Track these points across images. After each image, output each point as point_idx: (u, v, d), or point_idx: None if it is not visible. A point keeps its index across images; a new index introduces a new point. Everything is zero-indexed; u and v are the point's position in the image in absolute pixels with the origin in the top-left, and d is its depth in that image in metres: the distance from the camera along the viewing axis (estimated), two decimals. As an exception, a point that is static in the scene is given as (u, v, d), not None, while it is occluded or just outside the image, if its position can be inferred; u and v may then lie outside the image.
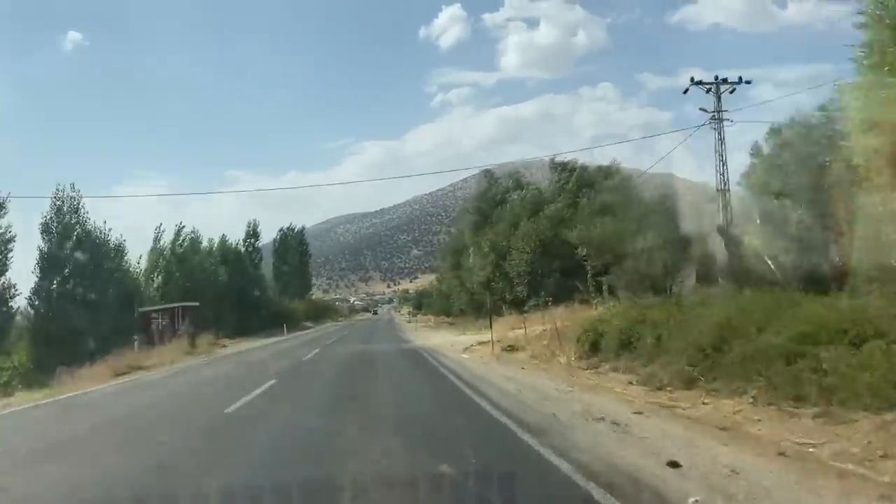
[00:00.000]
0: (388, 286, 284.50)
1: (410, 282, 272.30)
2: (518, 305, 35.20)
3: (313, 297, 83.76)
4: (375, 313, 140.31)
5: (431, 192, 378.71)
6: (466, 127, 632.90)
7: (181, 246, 44.12)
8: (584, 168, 36.46)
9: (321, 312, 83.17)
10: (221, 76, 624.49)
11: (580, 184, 33.94)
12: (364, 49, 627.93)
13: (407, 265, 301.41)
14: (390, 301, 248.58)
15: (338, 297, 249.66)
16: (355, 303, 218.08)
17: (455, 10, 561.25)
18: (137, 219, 60.64)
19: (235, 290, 52.08)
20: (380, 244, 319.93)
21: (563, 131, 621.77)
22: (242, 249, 57.90)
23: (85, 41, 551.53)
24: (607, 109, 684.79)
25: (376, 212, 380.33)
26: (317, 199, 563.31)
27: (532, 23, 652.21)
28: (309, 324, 71.70)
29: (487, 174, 45.91)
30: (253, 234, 62.07)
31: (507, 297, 37.99)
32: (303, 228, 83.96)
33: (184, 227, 45.87)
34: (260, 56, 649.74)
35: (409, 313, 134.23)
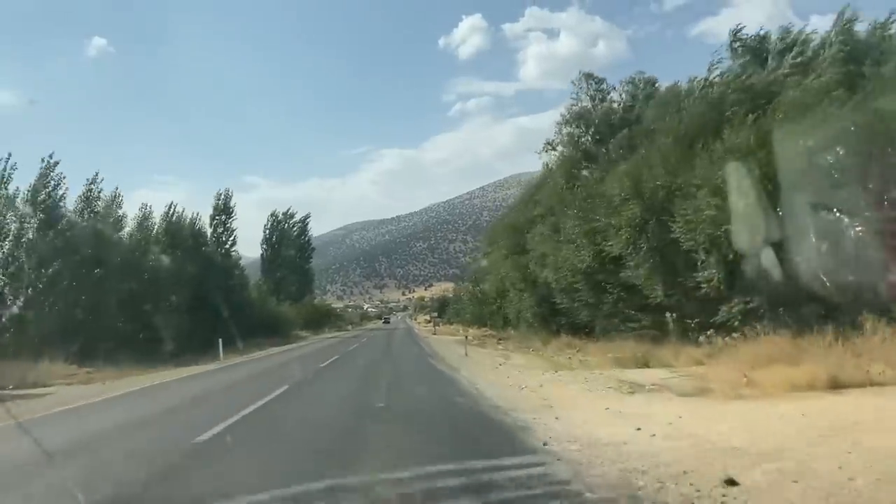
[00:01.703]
0: (403, 293, 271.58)
1: (425, 289, 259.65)
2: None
3: (316, 300, 65.53)
4: (387, 321, 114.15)
5: (448, 200, 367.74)
6: (484, 136, 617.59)
7: (58, 202, 24.75)
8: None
9: (323, 319, 64.77)
10: (242, 84, 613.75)
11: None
12: (384, 58, 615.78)
13: (422, 272, 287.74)
14: (405, 309, 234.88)
15: (351, 303, 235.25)
16: (369, 310, 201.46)
17: (475, 20, 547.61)
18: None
19: (192, 286, 34.14)
20: (395, 251, 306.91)
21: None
22: (209, 230, 40.23)
23: (109, 47, 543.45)
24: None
25: (392, 219, 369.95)
26: (333, 206, 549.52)
27: (552, 33, 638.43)
28: (304, 333, 53.65)
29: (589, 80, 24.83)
30: (223, 209, 42.90)
31: (623, 307, 19.87)
32: (306, 217, 66.45)
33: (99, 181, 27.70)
34: (280, 64, 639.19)
35: (427, 321, 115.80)
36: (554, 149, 23.07)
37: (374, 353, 27.20)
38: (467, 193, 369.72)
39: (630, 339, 20.67)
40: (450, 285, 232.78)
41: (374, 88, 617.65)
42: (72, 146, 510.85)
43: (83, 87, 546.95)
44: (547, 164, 27.94)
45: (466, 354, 21.29)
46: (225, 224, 41.17)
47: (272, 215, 61.71)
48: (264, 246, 60.00)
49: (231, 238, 41.28)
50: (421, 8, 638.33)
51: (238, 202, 42.43)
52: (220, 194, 41.74)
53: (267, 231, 60.49)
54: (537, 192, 30.30)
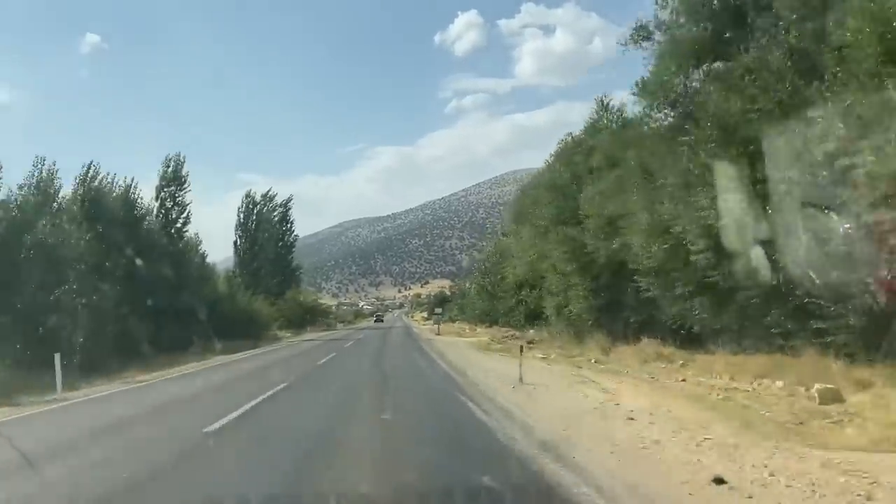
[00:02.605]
0: (399, 291, 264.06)
1: (421, 286, 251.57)
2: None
3: (301, 296, 55.94)
4: (380, 319, 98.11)
5: (444, 198, 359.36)
6: (480, 133, 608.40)
7: None
8: None
9: (309, 317, 55.12)
10: (237, 81, 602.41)
11: None
12: (379, 55, 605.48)
13: (418, 270, 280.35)
14: (401, 306, 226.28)
15: (347, 301, 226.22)
16: (364, 307, 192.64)
17: (471, 16, 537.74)
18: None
19: (120, 271, 24.97)
20: (391, 248, 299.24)
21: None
22: (155, 205, 30.78)
23: (103, 43, 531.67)
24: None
25: (387, 216, 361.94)
26: (329, 203, 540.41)
27: (548, 30, 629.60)
28: (284, 334, 44.38)
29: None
30: (173, 177, 32.26)
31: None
32: (288, 200, 56.80)
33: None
34: (274, 61, 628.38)
35: (425, 319, 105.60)
36: (647, 38, 13.63)
37: (358, 370, 17.76)
38: (463, 190, 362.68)
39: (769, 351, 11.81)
40: (446, 282, 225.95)
41: (369, 85, 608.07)
42: (64, 142, 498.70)
43: (76, 83, 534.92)
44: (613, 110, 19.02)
45: (522, 380, 11.78)
46: (175, 197, 31.58)
47: (247, 196, 52.15)
48: (238, 233, 50.34)
49: (184, 215, 31.78)
50: (416, 4, 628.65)
51: (234, 199, 34.29)
52: (170, 159, 31.94)
53: (241, 215, 50.83)
54: (591, 136, 21.04)
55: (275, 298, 51.85)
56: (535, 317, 30.70)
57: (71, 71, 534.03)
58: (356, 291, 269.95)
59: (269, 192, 53.28)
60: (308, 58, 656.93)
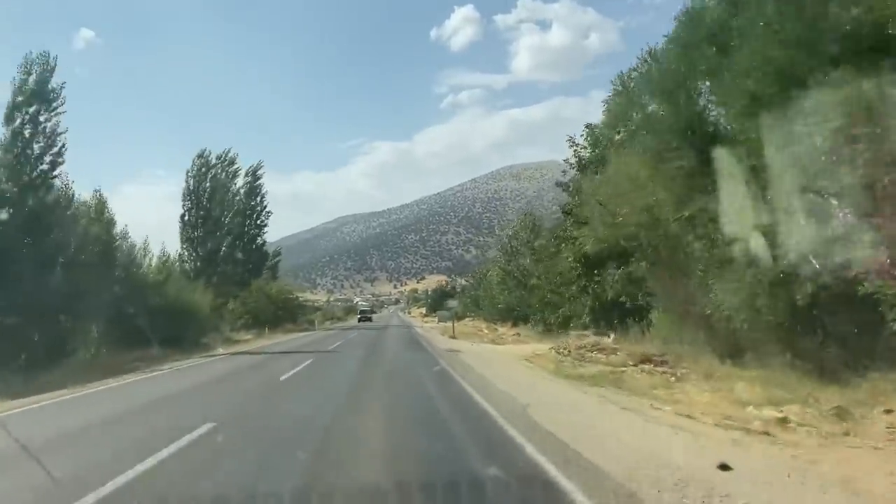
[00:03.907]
0: (395, 286, 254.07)
1: (417, 282, 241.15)
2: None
3: (273, 288, 42.66)
4: (366, 317, 69.24)
5: (440, 193, 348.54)
6: (477, 128, 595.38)
7: None
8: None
9: (280, 313, 41.50)
10: (234, 77, 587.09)
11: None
12: (376, 50, 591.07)
13: (414, 265, 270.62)
14: (396, 302, 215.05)
15: (342, 297, 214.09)
16: (359, 303, 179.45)
17: (467, 10, 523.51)
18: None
19: None
20: (386, 244, 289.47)
21: (574, 134, 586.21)
22: (4, 134, 17.94)
23: (98, 38, 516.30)
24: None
25: (383, 211, 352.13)
26: (324, 199, 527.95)
27: (544, 25, 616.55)
28: (243, 336, 31.74)
29: None
30: (36, 94, 18.71)
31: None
32: (258, 167, 43.72)
33: None
34: (271, 57, 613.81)
35: (423, 315, 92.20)
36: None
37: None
38: (459, 185, 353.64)
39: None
40: (443, 278, 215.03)
41: (366, 82, 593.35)
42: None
43: (71, 79, 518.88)
44: None
45: None
46: (38, 123, 18.61)
47: (200, 157, 39.00)
48: (186, 203, 37.29)
49: (56, 150, 18.83)
50: None
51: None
52: (30, 62, 18.59)
53: (190, 179, 37.54)
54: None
55: (239, 290, 39.24)
56: (618, 311, 18.30)
57: (66, 68, 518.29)
58: (351, 287, 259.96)
59: (226, 153, 40.08)
60: (304, 54, 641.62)
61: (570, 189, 21.18)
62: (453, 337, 26.19)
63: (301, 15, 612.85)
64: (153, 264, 28.32)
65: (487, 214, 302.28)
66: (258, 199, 43.90)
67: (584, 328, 20.61)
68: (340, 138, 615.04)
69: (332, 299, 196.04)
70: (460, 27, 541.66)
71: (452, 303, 35.26)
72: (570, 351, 15.69)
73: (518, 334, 28.44)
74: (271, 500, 4.44)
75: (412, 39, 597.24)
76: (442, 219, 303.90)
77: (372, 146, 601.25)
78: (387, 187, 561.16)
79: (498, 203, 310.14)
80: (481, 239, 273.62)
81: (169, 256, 30.67)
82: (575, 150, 19.55)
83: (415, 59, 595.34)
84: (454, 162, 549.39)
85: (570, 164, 20.43)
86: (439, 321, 49.66)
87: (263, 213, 44.36)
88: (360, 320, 66.95)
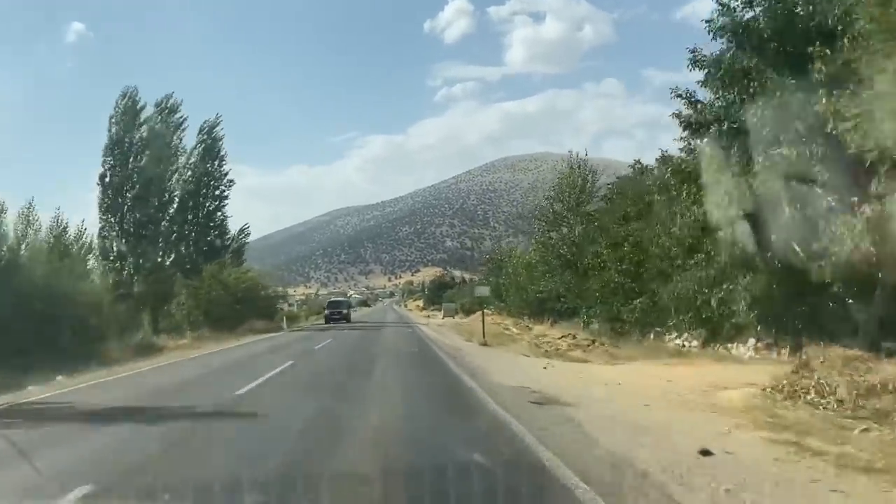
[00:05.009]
0: (389, 279, 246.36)
1: (412, 275, 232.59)
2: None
3: (232, 274, 32.24)
4: (340, 315, 41.10)
5: (434, 185, 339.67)
6: (471, 121, 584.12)
7: None
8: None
9: (238, 307, 30.44)
10: (225, 70, 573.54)
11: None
12: (368, 43, 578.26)
13: (408, 258, 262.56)
14: (391, 295, 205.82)
15: (336, 290, 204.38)
16: (353, 296, 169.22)
17: (461, 3, 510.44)
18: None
19: None
20: (380, 237, 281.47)
21: (568, 126, 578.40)
22: None
23: (88, 31, 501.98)
24: (612, 105, 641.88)
25: (377, 204, 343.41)
26: (319, 193, 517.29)
27: (538, 17, 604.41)
28: (180, 341, 21.96)
29: None
30: None
31: None
32: (215, 124, 33.24)
33: None
34: (264, 50, 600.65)
35: (422, 308, 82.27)
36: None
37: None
38: (453, 178, 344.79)
39: None
40: (437, 270, 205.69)
41: (359, 74, 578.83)
42: (52, 135, 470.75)
43: (62, 73, 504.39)
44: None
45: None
46: None
47: (124, 97, 28.36)
48: (108, 159, 26.82)
49: None
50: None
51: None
52: None
53: (113, 128, 27.14)
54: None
55: (186, 278, 29.14)
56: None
57: (56, 59, 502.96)
58: (345, 280, 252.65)
59: (167, 98, 29.42)
60: (297, 47, 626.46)
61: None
62: (485, 343, 16.24)
63: (294, 9, 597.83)
64: (38, 237, 18.32)
65: (482, 206, 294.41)
66: (215, 162, 33.78)
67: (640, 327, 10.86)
68: (335, 132, 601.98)
69: (318, 292, 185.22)
70: (454, 19, 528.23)
71: (482, 289, 24.13)
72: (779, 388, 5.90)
73: (574, 337, 18.40)
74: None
75: (406, 32, 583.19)
76: (436, 211, 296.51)
77: (366, 139, 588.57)
78: (381, 180, 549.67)
79: (493, 195, 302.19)
80: (476, 231, 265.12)
81: (69, 227, 20.54)
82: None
83: (409, 52, 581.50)
84: (449, 154, 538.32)
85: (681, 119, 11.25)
86: (444, 316, 39.66)
87: (224, 181, 34.28)
88: (328, 320, 41.12)
